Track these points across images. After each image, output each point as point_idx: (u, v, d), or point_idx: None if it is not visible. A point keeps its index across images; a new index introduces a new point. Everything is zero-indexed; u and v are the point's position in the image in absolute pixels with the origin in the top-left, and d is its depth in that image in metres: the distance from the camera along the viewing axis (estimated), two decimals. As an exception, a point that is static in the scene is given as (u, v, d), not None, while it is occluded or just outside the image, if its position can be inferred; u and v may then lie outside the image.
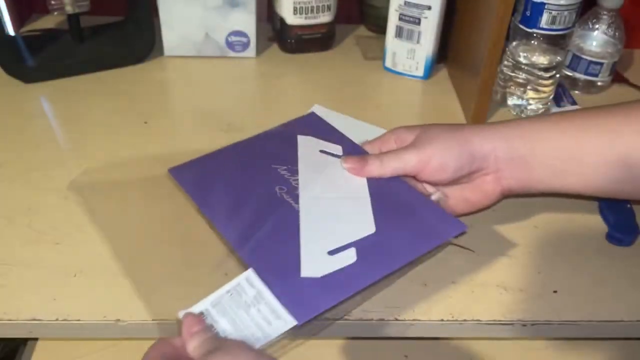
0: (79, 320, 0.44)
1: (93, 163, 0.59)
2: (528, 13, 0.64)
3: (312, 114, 0.58)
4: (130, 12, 0.79)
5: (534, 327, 0.46)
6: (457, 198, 0.50)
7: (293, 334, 0.39)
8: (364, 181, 0.48)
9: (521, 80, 0.68)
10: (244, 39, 0.78)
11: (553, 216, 0.56)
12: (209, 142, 0.63)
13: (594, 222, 0.55)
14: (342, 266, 0.41)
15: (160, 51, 0.78)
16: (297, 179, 0.48)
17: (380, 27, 0.81)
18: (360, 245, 0.43)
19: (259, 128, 0.66)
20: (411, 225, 0.45)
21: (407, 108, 0.73)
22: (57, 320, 0.44)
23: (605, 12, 0.72)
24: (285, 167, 0.49)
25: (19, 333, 0.45)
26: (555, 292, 0.48)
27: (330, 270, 0.41)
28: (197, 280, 0.48)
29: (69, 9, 0.71)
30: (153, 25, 0.75)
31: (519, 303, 0.47)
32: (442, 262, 0.50)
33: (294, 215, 0.45)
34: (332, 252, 0.42)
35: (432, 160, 0.46)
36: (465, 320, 0.46)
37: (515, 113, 0.70)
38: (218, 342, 0.37)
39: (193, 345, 0.37)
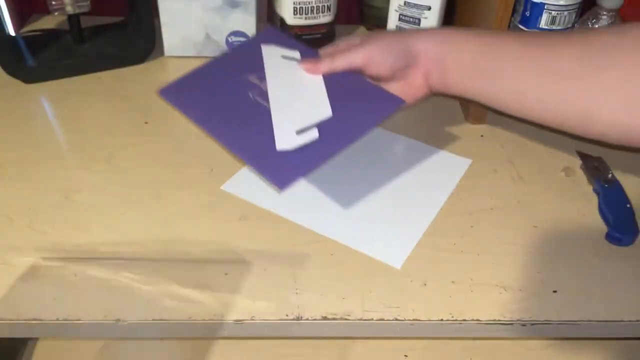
0: (79, 320, 0.44)
1: (93, 163, 0.59)
2: (528, 13, 0.64)
3: (271, 29, 0.67)
4: (131, 13, 0.79)
5: (533, 326, 0.46)
6: (395, 89, 0.56)
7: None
8: (320, 78, 0.57)
9: (521, 81, 0.68)
10: (244, 39, 0.78)
11: (553, 216, 0.56)
12: (209, 142, 0.63)
13: (594, 222, 0.55)
14: (308, 140, 0.50)
15: (160, 51, 0.78)
16: (266, 83, 0.57)
17: (380, 27, 0.81)
18: (321, 125, 0.52)
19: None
20: (360, 106, 0.54)
21: (406, 108, 0.73)
22: (57, 320, 0.44)
23: (604, 12, 0.72)
24: (255, 75, 0.58)
25: (19, 333, 0.45)
26: (554, 291, 0.48)
27: (300, 143, 0.50)
28: (199, 280, 0.48)
29: (69, 9, 0.71)
30: (153, 26, 0.75)
31: (519, 303, 0.47)
32: (442, 262, 0.50)
33: (267, 112, 0.54)
34: (299, 132, 0.51)
35: (375, 55, 0.54)
36: (465, 320, 0.46)
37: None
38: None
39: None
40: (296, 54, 0.60)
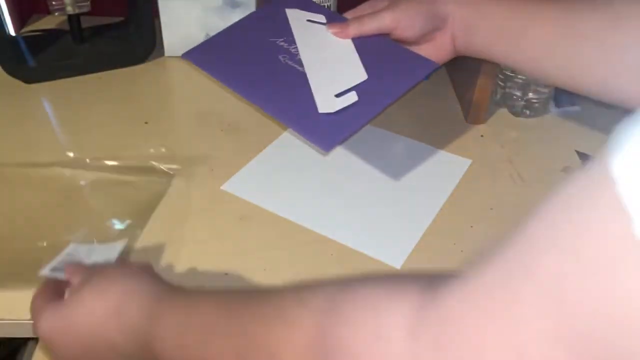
0: (79, 320, 0.44)
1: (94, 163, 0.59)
2: (528, 13, 0.64)
3: None
4: (131, 13, 0.79)
5: (533, 326, 0.46)
6: (422, 50, 0.56)
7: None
8: (349, 41, 0.57)
9: (521, 81, 0.68)
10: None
11: (553, 216, 0.56)
12: (209, 142, 0.63)
13: (594, 222, 0.55)
14: (348, 104, 0.51)
15: (160, 51, 0.78)
16: (295, 47, 0.57)
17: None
18: (359, 88, 0.52)
19: (259, 128, 0.66)
20: (394, 68, 0.55)
21: (406, 108, 0.73)
22: (57, 320, 0.44)
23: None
24: (282, 39, 0.58)
25: (20, 333, 0.45)
26: (554, 292, 0.48)
27: (340, 107, 0.50)
28: (199, 280, 0.48)
29: (69, 9, 0.71)
30: (153, 26, 0.75)
31: (519, 303, 0.47)
32: (442, 262, 0.50)
33: (301, 76, 0.54)
34: (338, 95, 0.51)
35: (403, 19, 0.54)
36: (464, 320, 0.46)
37: (514, 113, 0.70)
38: (97, 270, 0.41)
39: (75, 281, 0.41)
40: (321, 18, 0.60)
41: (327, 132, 0.49)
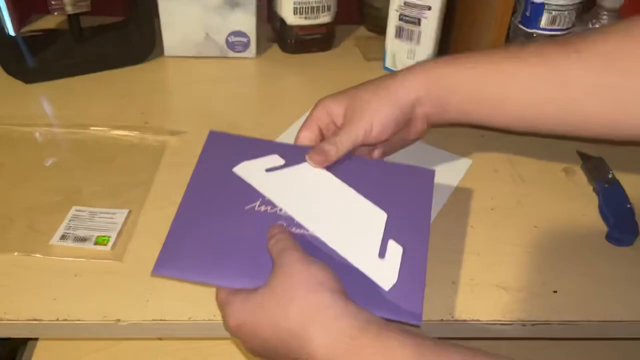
0: (79, 320, 0.44)
1: (94, 163, 0.59)
2: (528, 13, 0.64)
3: (214, 133, 0.53)
4: (131, 13, 0.79)
5: (533, 327, 0.46)
6: (396, 141, 0.55)
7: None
8: (330, 177, 0.49)
9: (521, 81, 0.68)
10: (244, 39, 0.78)
11: (553, 216, 0.56)
12: (209, 142, 0.63)
13: (594, 222, 0.55)
14: (400, 260, 0.43)
15: (160, 51, 0.78)
16: (280, 208, 0.46)
17: (380, 28, 0.81)
18: (391, 233, 0.45)
19: (259, 128, 0.66)
20: (400, 191, 0.48)
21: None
22: (57, 320, 0.44)
23: (605, 12, 0.72)
24: (258, 203, 0.46)
25: (20, 333, 0.45)
26: (555, 292, 0.48)
27: (396, 270, 0.43)
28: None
29: (69, 9, 0.71)
30: (153, 26, 0.75)
31: (519, 303, 0.47)
32: (442, 262, 0.50)
33: (319, 242, 0.44)
34: (380, 255, 0.44)
35: (374, 127, 0.50)
36: (465, 320, 0.46)
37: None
38: (283, 258, 0.40)
39: (270, 243, 0.42)
40: (276, 159, 0.49)
41: (406, 302, 0.41)
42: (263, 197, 0.46)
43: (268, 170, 0.47)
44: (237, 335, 0.41)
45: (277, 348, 0.38)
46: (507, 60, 0.49)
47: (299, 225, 0.45)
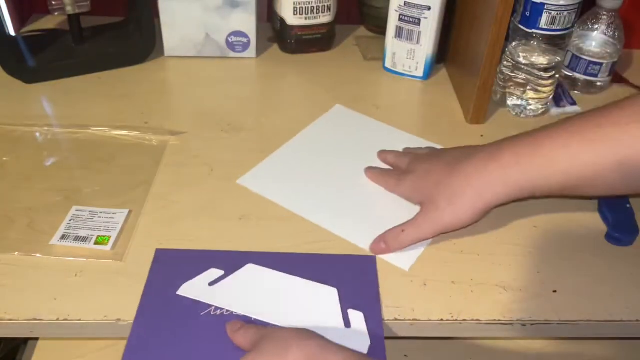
0: (79, 320, 0.44)
1: (94, 163, 0.59)
2: (527, 13, 0.64)
3: (158, 252, 0.50)
4: (131, 13, 0.79)
5: (533, 327, 0.46)
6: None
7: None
8: (270, 271, 0.49)
9: (521, 81, 0.68)
10: (244, 40, 0.78)
11: (553, 216, 0.56)
12: (209, 142, 0.63)
13: (594, 222, 0.55)
14: (365, 324, 0.45)
15: (160, 51, 0.78)
16: (233, 311, 0.45)
17: (380, 28, 0.81)
18: (347, 304, 0.46)
19: (259, 128, 0.66)
20: (348, 272, 0.49)
21: (407, 108, 0.73)
22: (57, 320, 0.44)
23: (604, 13, 0.72)
24: (212, 309, 0.45)
25: (20, 333, 0.45)
26: (554, 291, 0.48)
27: (366, 333, 0.44)
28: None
29: (69, 9, 0.71)
30: (153, 26, 0.75)
31: (519, 303, 0.47)
32: (442, 262, 0.50)
33: None
34: (347, 325, 0.45)
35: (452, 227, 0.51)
36: (464, 320, 0.46)
37: (514, 113, 0.70)
38: (264, 331, 0.41)
39: (238, 342, 0.42)
40: (215, 272, 0.48)
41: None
42: (214, 307, 0.46)
43: (211, 284, 0.47)
44: None
45: None
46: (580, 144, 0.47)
47: (258, 321, 0.45)
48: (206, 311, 0.45)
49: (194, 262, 0.49)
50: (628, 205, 0.55)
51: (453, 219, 0.50)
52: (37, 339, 0.69)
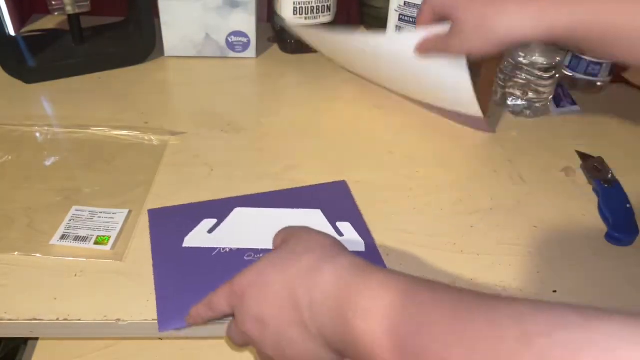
0: (79, 320, 0.44)
1: (94, 163, 0.59)
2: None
3: (150, 212, 0.53)
4: (131, 13, 0.79)
5: (533, 326, 0.46)
6: None
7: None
8: (258, 209, 0.54)
9: (521, 81, 0.68)
10: (244, 40, 0.78)
11: (553, 216, 0.56)
12: (209, 142, 0.63)
13: (594, 222, 0.55)
14: (355, 231, 0.51)
15: (160, 51, 0.78)
16: (241, 247, 0.50)
17: (380, 28, 0.81)
18: (333, 219, 0.52)
19: (259, 128, 0.66)
20: (326, 195, 0.55)
21: (407, 108, 0.73)
22: (57, 320, 0.44)
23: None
24: (219, 249, 0.50)
25: (20, 333, 0.45)
26: (554, 291, 0.48)
27: (359, 239, 0.51)
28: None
29: (69, 9, 0.71)
30: (153, 26, 0.75)
31: (519, 303, 0.47)
32: (442, 262, 0.50)
33: None
34: (339, 235, 0.50)
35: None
36: (464, 320, 0.46)
37: (514, 113, 0.70)
38: (295, 231, 0.41)
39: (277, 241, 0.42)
40: (209, 222, 0.52)
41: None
42: (220, 248, 0.50)
43: (209, 231, 0.51)
44: (241, 310, 0.38)
45: (283, 308, 0.36)
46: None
47: (265, 250, 0.49)
48: (216, 251, 0.49)
49: (186, 215, 0.53)
50: (628, 205, 0.56)
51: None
52: (37, 339, 0.69)
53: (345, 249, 0.39)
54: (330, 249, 0.38)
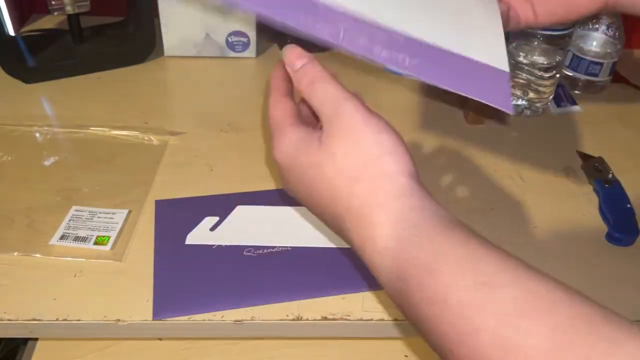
0: (79, 320, 0.44)
1: (94, 163, 0.59)
2: (528, 13, 0.64)
3: (157, 203, 0.54)
4: (131, 12, 0.79)
5: (533, 327, 0.46)
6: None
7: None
8: (258, 207, 0.54)
9: (521, 81, 0.68)
10: (244, 39, 0.78)
11: (553, 216, 0.56)
12: (209, 142, 0.63)
13: (594, 222, 0.55)
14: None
15: (160, 51, 0.78)
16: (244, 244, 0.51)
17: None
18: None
19: (259, 128, 0.66)
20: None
21: (407, 108, 0.73)
22: (57, 320, 0.44)
23: (605, 13, 0.72)
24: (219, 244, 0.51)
25: (19, 333, 0.45)
26: (555, 292, 0.48)
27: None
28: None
29: (69, 9, 0.71)
30: (153, 26, 0.75)
31: (519, 303, 0.47)
32: (442, 262, 0.50)
33: None
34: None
35: None
36: (465, 320, 0.46)
37: (515, 113, 0.70)
38: (346, 112, 0.34)
39: (299, 86, 0.37)
40: (211, 220, 0.53)
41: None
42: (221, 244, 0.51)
43: (211, 229, 0.52)
44: (278, 168, 0.37)
45: (324, 207, 0.34)
46: None
47: (265, 247, 0.50)
48: (216, 245, 0.50)
49: (191, 209, 0.54)
50: (628, 205, 0.55)
51: None
52: (36, 339, 0.69)
53: (421, 195, 0.33)
54: (398, 201, 0.32)
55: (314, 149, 0.34)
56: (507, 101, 0.38)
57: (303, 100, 0.38)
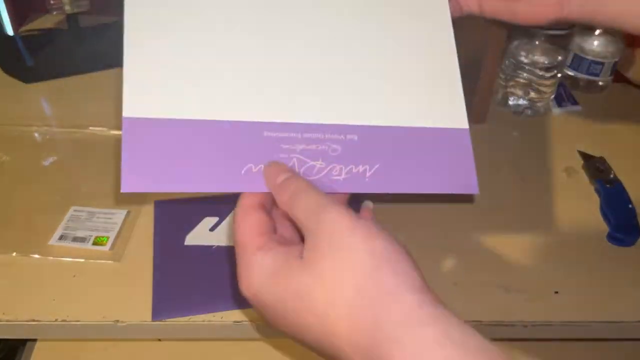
0: (78, 320, 0.44)
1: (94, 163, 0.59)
2: (529, 12, 0.64)
3: (157, 204, 0.54)
4: (130, 12, 0.79)
5: (535, 327, 0.46)
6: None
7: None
8: None
9: (522, 80, 0.68)
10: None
11: (554, 216, 0.56)
12: (209, 142, 0.63)
13: (595, 222, 0.55)
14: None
15: (159, 51, 0.77)
16: None
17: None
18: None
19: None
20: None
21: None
22: (56, 321, 0.44)
23: (606, 12, 0.72)
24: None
25: (19, 334, 0.45)
26: (556, 292, 0.48)
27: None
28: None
29: (68, 8, 0.71)
30: (153, 25, 0.75)
31: (520, 303, 0.47)
32: (443, 264, 0.50)
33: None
34: None
35: None
36: (466, 321, 0.45)
37: (515, 113, 0.70)
38: (328, 229, 0.28)
39: (281, 199, 0.31)
40: (210, 220, 0.52)
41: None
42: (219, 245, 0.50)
43: (211, 229, 0.52)
44: (250, 302, 0.31)
45: (321, 349, 0.28)
46: None
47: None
48: (215, 246, 0.50)
49: (190, 210, 0.53)
50: (630, 206, 0.55)
51: None
52: (35, 340, 0.69)
53: (436, 313, 0.29)
54: (410, 322, 0.27)
55: (295, 272, 0.28)
56: (470, 179, 0.38)
57: (284, 217, 0.33)
